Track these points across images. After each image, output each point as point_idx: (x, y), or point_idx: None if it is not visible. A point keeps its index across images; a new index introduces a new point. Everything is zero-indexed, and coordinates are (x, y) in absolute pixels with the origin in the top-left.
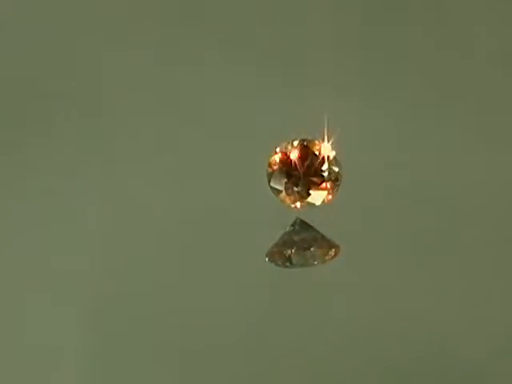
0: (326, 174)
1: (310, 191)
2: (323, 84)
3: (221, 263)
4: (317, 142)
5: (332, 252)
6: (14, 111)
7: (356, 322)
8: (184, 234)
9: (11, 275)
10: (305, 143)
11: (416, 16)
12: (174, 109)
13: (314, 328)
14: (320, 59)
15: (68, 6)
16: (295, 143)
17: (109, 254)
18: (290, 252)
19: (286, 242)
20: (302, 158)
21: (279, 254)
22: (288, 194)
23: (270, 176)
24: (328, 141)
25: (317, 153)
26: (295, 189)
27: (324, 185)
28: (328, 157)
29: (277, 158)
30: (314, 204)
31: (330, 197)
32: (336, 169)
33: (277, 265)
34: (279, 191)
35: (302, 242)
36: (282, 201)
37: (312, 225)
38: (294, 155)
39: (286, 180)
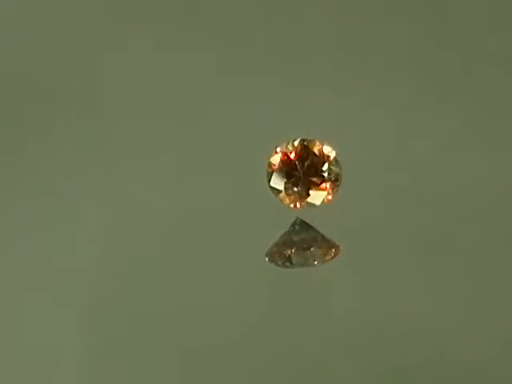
0: (326, 174)
1: (310, 191)
2: (323, 84)
3: (221, 263)
4: (317, 142)
5: (332, 252)
6: (14, 111)
7: (356, 322)
8: (184, 234)
9: (11, 275)
10: (305, 143)
11: (416, 16)
12: (173, 109)
13: (314, 328)
14: (320, 59)
15: (68, 6)
16: (295, 143)
17: (109, 253)
18: (289, 252)
19: (285, 242)
20: (302, 157)
21: (279, 254)
22: (288, 194)
23: (269, 176)
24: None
25: (317, 153)
26: (295, 189)
27: (324, 185)
28: (328, 157)
29: (277, 157)
30: (313, 204)
31: (330, 197)
32: (336, 169)
33: (277, 265)
34: (279, 191)
35: (302, 242)
36: (282, 201)
37: (312, 225)
38: (294, 155)
39: (285, 180)
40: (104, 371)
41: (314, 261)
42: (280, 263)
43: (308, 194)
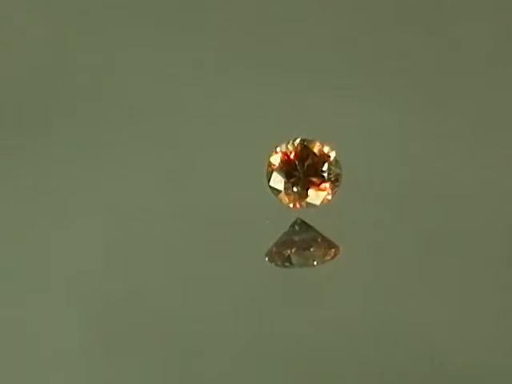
0: (326, 175)
1: (310, 191)
2: (323, 84)
3: (221, 263)
4: (317, 142)
5: (332, 252)
6: (14, 112)
7: (356, 322)
8: (184, 234)
9: (11, 275)
10: (305, 143)
11: (416, 16)
12: (174, 110)
13: (314, 328)
14: (320, 59)
15: (68, 6)
16: (295, 143)
17: (109, 254)
18: (289, 252)
19: (285, 242)
20: (302, 157)
21: (279, 254)
22: (288, 194)
23: (269, 176)
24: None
25: (317, 153)
26: (295, 189)
27: (324, 185)
28: (328, 157)
29: (277, 157)
30: (313, 204)
31: (330, 197)
32: (336, 169)
33: (276, 265)
34: (279, 191)
35: (302, 242)
36: (282, 201)
37: (312, 225)
38: (294, 155)
39: (285, 180)
40: (104, 372)
41: (314, 261)
42: (280, 263)
43: (308, 194)
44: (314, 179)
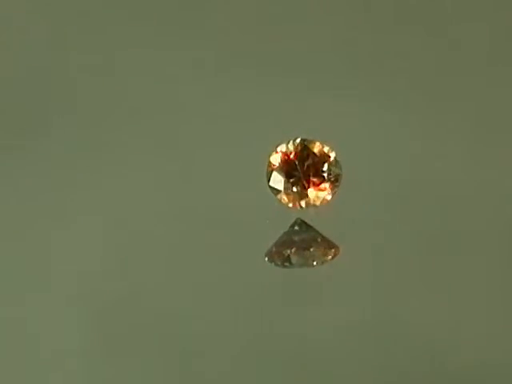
0: (326, 175)
1: (310, 191)
2: (323, 84)
3: (221, 263)
4: (317, 142)
5: (332, 252)
6: (13, 112)
7: (356, 322)
8: (184, 234)
9: (11, 275)
10: (305, 143)
11: (415, 17)
12: (174, 110)
13: (314, 328)
14: (320, 59)
15: (68, 6)
16: (295, 143)
17: (109, 254)
18: (289, 252)
19: (285, 242)
20: (302, 157)
21: (279, 254)
22: (287, 194)
23: (269, 176)
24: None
25: (317, 153)
26: (295, 189)
27: (324, 185)
28: (328, 157)
29: (277, 157)
30: (313, 204)
31: (330, 197)
32: (336, 169)
33: (276, 265)
34: (279, 191)
35: (302, 242)
36: (282, 201)
37: (312, 225)
38: (294, 155)
39: (285, 180)
40: (104, 372)
41: (314, 261)
42: (279, 263)
43: (308, 194)
44: (314, 179)
